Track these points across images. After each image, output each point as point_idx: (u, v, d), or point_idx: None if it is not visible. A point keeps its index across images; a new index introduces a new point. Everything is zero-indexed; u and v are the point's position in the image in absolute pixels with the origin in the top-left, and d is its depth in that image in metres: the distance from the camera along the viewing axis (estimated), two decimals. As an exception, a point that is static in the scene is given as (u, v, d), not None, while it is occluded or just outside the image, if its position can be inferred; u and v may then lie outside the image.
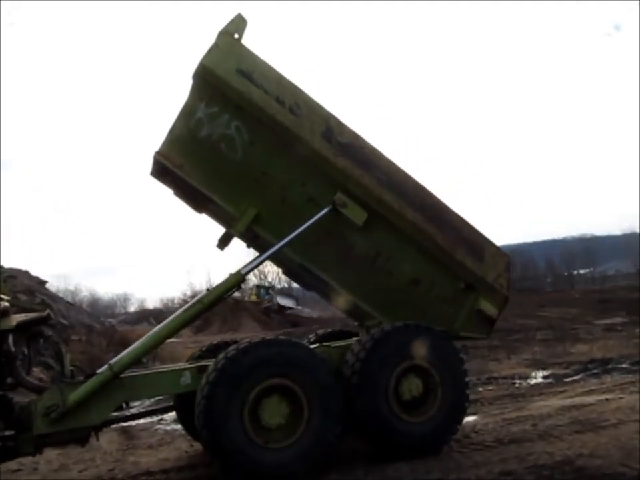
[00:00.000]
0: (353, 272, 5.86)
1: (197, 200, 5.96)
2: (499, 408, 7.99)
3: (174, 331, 5.58)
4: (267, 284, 51.52)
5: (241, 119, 5.42)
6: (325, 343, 6.16)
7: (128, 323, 39.39)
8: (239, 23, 5.48)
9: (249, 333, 27.53)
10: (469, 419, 6.93)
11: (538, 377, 10.96)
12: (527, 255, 59.47)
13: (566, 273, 63.45)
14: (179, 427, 7.06)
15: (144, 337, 5.57)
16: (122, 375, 5.16)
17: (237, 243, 6.25)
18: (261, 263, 5.77)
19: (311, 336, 7.11)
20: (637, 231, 62.55)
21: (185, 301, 34.42)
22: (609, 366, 11.34)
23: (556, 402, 8.10)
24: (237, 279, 5.51)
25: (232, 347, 5.14)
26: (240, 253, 6.30)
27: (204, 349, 6.59)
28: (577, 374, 10.84)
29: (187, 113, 5.40)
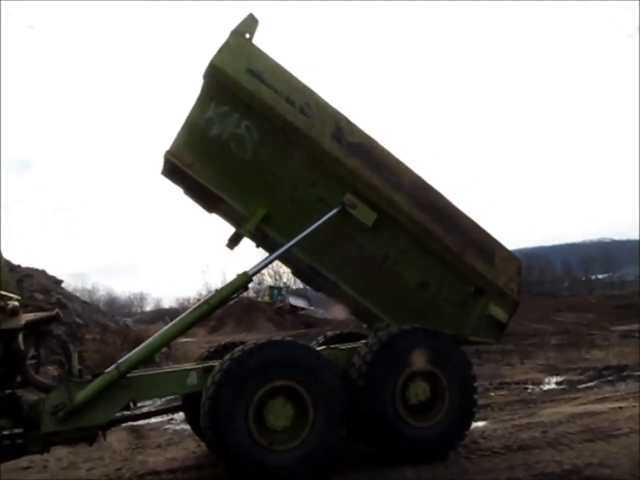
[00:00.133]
0: (361, 273, 5.82)
1: (207, 199, 5.96)
2: (509, 414, 7.91)
3: (181, 331, 5.58)
4: (281, 284, 51.65)
5: (251, 119, 5.42)
6: (332, 345, 6.14)
7: (144, 322, 39.62)
8: (250, 23, 5.49)
9: (263, 334, 27.53)
10: (478, 424, 6.87)
11: (551, 382, 10.85)
12: (545, 258, 59.02)
13: (584, 278, 62.87)
14: (188, 426, 7.07)
15: (152, 337, 5.57)
16: (129, 375, 5.17)
17: (249, 244, 6.26)
18: (269, 263, 5.77)
19: (320, 338, 7.09)
20: (657, 236, 61.84)
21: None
22: (624, 373, 11.20)
23: (568, 409, 8.00)
24: (244, 280, 5.49)
25: (238, 348, 5.12)
26: (254, 254, 6.29)
27: (212, 349, 6.59)
28: (590, 380, 10.72)
29: (197, 112, 5.41)
